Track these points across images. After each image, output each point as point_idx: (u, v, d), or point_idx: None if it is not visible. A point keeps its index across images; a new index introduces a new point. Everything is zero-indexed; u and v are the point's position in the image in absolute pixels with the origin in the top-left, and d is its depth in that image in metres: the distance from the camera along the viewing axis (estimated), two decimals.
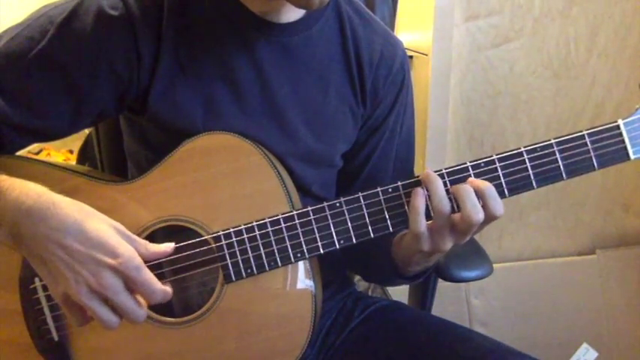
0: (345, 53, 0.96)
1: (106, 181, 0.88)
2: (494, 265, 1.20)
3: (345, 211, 0.85)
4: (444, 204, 0.81)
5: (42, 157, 2.07)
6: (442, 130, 1.86)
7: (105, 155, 1.20)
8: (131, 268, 0.72)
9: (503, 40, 1.83)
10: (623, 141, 0.83)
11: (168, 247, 0.81)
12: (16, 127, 0.84)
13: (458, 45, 1.82)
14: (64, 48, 0.83)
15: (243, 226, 0.85)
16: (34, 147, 1.58)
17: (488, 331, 1.96)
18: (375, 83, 0.98)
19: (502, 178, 0.83)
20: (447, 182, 0.83)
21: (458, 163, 0.84)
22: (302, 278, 0.88)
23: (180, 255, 0.85)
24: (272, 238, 0.85)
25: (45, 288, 0.86)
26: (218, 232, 0.85)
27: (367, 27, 0.99)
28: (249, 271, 0.85)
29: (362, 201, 0.85)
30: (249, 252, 0.85)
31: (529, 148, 0.83)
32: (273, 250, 0.85)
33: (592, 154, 0.83)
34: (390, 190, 0.85)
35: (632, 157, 0.84)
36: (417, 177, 0.84)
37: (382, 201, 0.85)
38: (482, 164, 0.83)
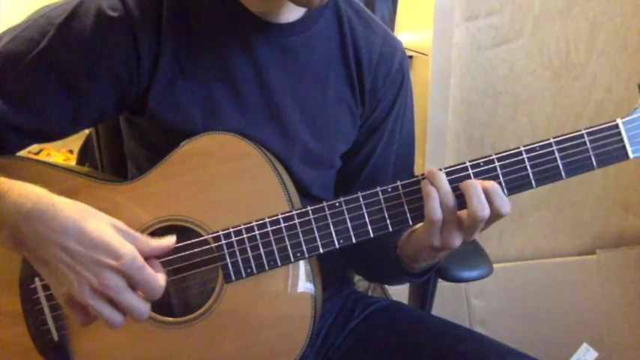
0: (345, 53, 0.96)
1: (105, 181, 0.88)
2: (494, 265, 1.20)
3: (345, 211, 0.85)
4: (450, 198, 0.81)
5: (42, 157, 2.07)
6: (442, 130, 1.87)
7: (105, 155, 1.20)
8: (133, 269, 0.72)
9: (503, 40, 1.83)
10: (622, 140, 0.83)
11: (170, 241, 0.80)
12: (15, 128, 0.84)
13: (458, 45, 1.82)
14: (63, 49, 0.83)
15: (242, 226, 0.85)
16: (34, 147, 1.58)
17: (488, 331, 1.96)
18: (375, 83, 0.98)
19: (501, 177, 0.83)
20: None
21: (457, 163, 0.84)
22: (302, 280, 0.88)
23: (180, 255, 0.85)
24: (272, 237, 0.85)
25: (45, 288, 0.86)
26: (218, 231, 0.85)
27: (366, 27, 0.99)
28: (248, 270, 0.85)
29: (361, 201, 0.85)
30: (249, 252, 0.85)
31: (528, 147, 0.83)
32: (273, 249, 0.85)
33: (591, 153, 0.83)
34: (389, 190, 0.85)
35: (631, 156, 0.84)
36: (417, 177, 0.84)
37: (382, 200, 0.85)
38: (482, 163, 0.84)
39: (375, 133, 1.02)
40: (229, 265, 0.85)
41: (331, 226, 0.85)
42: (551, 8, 1.82)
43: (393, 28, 1.41)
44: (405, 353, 0.99)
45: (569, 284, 2.03)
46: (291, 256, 0.85)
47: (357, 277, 1.37)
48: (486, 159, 0.83)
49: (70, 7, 0.84)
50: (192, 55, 0.88)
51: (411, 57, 1.89)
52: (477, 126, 1.91)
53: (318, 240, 0.85)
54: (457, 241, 0.84)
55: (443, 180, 0.82)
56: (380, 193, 0.85)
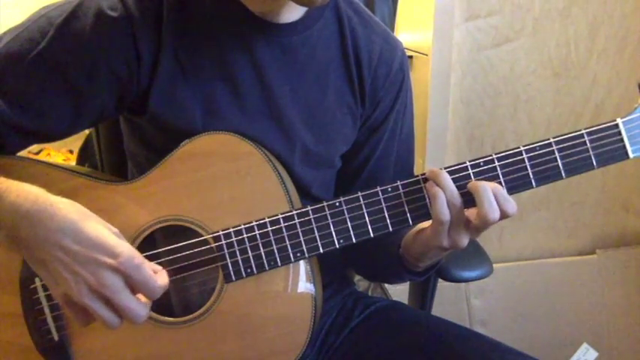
0: (344, 53, 0.96)
1: (105, 181, 0.88)
2: (494, 265, 1.20)
3: (345, 211, 0.85)
4: (457, 198, 0.82)
5: (42, 156, 2.07)
6: (442, 130, 1.87)
7: (105, 155, 1.20)
8: (131, 267, 0.72)
9: (503, 40, 1.83)
10: (622, 140, 0.83)
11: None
12: (16, 128, 0.84)
13: (458, 45, 1.82)
14: (63, 49, 0.83)
15: (242, 226, 0.85)
16: (34, 147, 1.58)
17: (488, 331, 1.96)
18: (375, 83, 0.98)
19: (501, 177, 0.83)
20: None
21: (457, 163, 0.84)
22: (302, 280, 0.88)
23: (180, 255, 0.86)
24: (272, 237, 0.85)
25: (45, 288, 0.86)
26: (218, 231, 0.85)
27: (366, 27, 0.99)
28: (248, 270, 0.85)
29: (361, 201, 0.85)
30: (249, 251, 0.85)
31: (528, 147, 0.83)
32: (273, 249, 0.85)
33: (591, 152, 0.83)
34: (389, 189, 0.85)
35: (631, 155, 0.84)
36: (417, 177, 0.84)
37: (382, 200, 0.85)
38: (482, 163, 0.84)
39: (376, 134, 1.02)
40: (229, 265, 0.85)
41: (331, 226, 0.85)
42: (551, 8, 1.82)
43: (393, 28, 1.41)
44: (405, 353, 0.99)
45: (569, 284, 2.03)
46: (291, 256, 0.85)
47: (357, 277, 1.37)
48: (486, 159, 0.84)
49: (69, 8, 0.84)
50: (192, 55, 0.88)
51: (411, 57, 1.89)
52: (477, 126, 1.91)
53: (318, 240, 0.85)
54: (465, 240, 0.84)
55: (448, 180, 0.82)
56: (380, 193, 0.85)
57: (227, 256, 0.85)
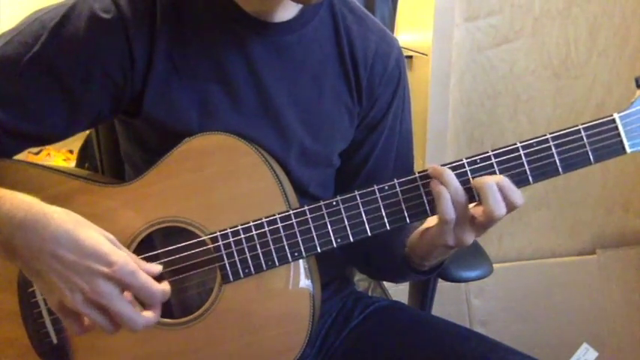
0: (340, 52, 0.96)
1: (101, 183, 0.88)
2: (494, 265, 1.20)
3: (342, 210, 0.85)
4: (461, 195, 0.81)
5: (42, 156, 2.07)
6: (442, 130, 1.87)
7: (105, 155, 1.20)
8: (126, 274, 0.72)
9: (503, 40, 1.83)
10: (619, 134, 0.83)
11: (157, 268, 0.79)
12: (11, 133, 0.84)
13: (458, 45, 1.82)
14: (57, 52, 0.82)
15: (240, 226, 0.85)
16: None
17: (488, 331, 1.96)
18: (371, 81, 0.98)
19: (498, 173, 0.83)
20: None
21: (454, 160, 0.84)
22: (300, 278, 0.88)
23: (178, 256, 0.86)
24: (269, 237, 0.85)
25: None
26: (215, 232, 0.85)
27: (361, 25, 0.98)
28: (246, 271, 0.85)
29: (358, 199, 0.85)
30: (247, 252, 0.85)
31: (525, 143, 0.84)
32: (271, 249, 0.85)
33: (588, 148, 0.83)
34: (386, 188, 0.85)
35: (628, 150, 0.84)
36: (415, 175, 0.84)
37: (379, 199, 0.85)
38: (478, 160, 0.83)
39: (374, 131, 1.02)
40: (227, 265, 0.85)
41: (329, 225, 0.85)
42: (551, 8, 1.81)
43: (393, 28, 1.41)
44: (405, 353, 0.99)
45: (569, 284, 2.03)
46: (288, 255, 0.85)
47: (357, 277, 1.37)
48: (483, 155, 0.83)
49: (62, 11, 0.84)
50: (186, 56, 0.88)
51: (411, 57, 1.89)
52: (477, 126, 1.91)
53: (316, 239, 0.85)
54: (471, 238, 0.84)
55: (452, 178, 0.81)
56: (377, 191, 0.85)
57: (225, 256, 0.85)
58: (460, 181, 0.82)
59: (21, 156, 0.90)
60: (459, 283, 1.92)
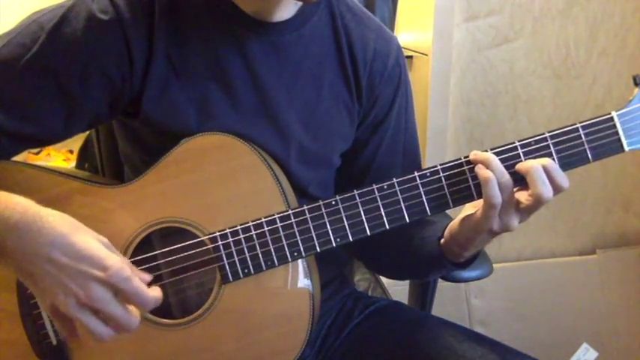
0: (339, 51, 0.96)
1: (100, 184, 0.88)
2: (494, 265, 1.20)
3: (341, 209, 0.85)
4: (508, 179, 0.81)
5: (42, 156, 2.07)
6: (442, 130, 1.87)
7: (105, 155, 1.20)
8: (120, 280, 0.71)
9: (503, 40, 1.83)
10: (617, 133, 0.83)
11: (148, 276, 0.79)
12: (9, 134, 0.83)
13: (458, 45, 1.82)
14: (55, 54, 0.82)
15: (239, 227, 0.85)
16: None
17: (488, 331, 1.96)
18: (371, 79, 0.98)
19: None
20: (442, 178, 0.84)
21: (453, 159, 0.84)
22: (300, 277, 0.88)
23: (177, 256, 0.85)
24: (268, 237, 0.85)
25: None
26: (214, 232, 0.85)
27: (360, 23, 0.98)
28: (246, 271, 0.85)
29: (357, 199, 0.85)
30: (246, 252, 0.85)
31: (523, 142, 0.84)
32: (270, 249, 0.85)
33: (586, 146, 0.83)
34: (385, 187, 0.85)
35: (626, 148, 0.84)
36: (414, 174, 0.85)
37: (378, 198, 0.85)
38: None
39: (378, 131, 1.02)
40: (226, 266, 0.85)
41: (328, 225, 0.85)
42: (551, 8, 1.81)
43: (393, 28, 1.41)
44: (405, 353, 0.99)
45: (569, 284, 2.03)
46: (288, 255, 0.85)
47: (357, 277, 1.37)
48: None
49: (60, 12, 0.83)
50: (184, 56, 0.88)
51: (411, 57, 1.89)
52: (477, 126, 1.91)
53: (315, 239, 0.85)
54: (516, 222, 0.84)
55: (498, 162, 0.82)
56: (376, 190, 0.85)
57: (224, 257, 0.85)
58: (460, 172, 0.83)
59: (21, 156, 0.90)
60: (459, 283, 1.92)
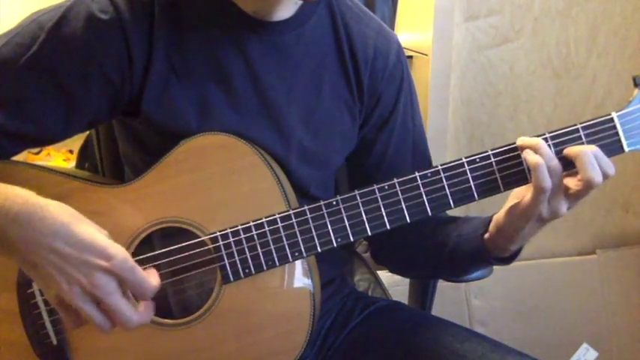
0: (339, 50, 0.96)
1: (101, 184, 0.88)
2: (495, 266, 1.19)
3: (342, 209, 0.85)
4: (557, 164, 0.82)
5: (42, 156, 2.07)
6: (442, 130, 1.86)
7: (105, 155, 1.20)
8: (125, 269, 0.72)
9: (503, 40, 1.83)
10: (617, 133, 0.84)
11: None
12: (8, 134, 0.83)
13: (458, 45, 1.82)
14: (54, 53, 0.82)
15: (240, 227, 0.85)
16: None
17: (488, 331, 1.96)
18: (373, 78, 0.98)
19: (497, 173, 0.84)
20: (443, 178, 0.84)
21: (453, 160, 0.84)
22: (300, 277, 0.88)
23: (178, 256, 0.85)
24: (269, 237, 0.85)
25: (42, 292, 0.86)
26: (215, 232, 0.85)
27: (360, 22, 0.98)
28: (246, 271, 0.85)
29: (358, 199, 0.85)
30: (247, 252, 0.85)
31: None
32: (271, 249, 0.85)
33: None
34: (386, 187, 0.85)
35: (626, 149, 0.84)
36: (415, 174, 0.85)
37: (379, 198, 0.85)
38: (478, 159, 0.84)
39: (384, 129, 1.01)
40: (227, 266, 0.85)
41: (329, 225, 0.85)
42: (551, 8, 1.81)
43: (393, 28, 1.41)
44: (405, 353, 0.99)
45: (569, 284, 2.03)
46: (289, 255, 0.85)
47: (357, 277, 1.37)
48: (482, 155, 0.84)
49: (60, 12, 0.83)
50: (184, 56, 0.88)
51: (411, 57, 1.88)
52: (477, 126, 1.91)
53: (316, 239, 0.85)
54: (564, 208, 0.84)
55: (546, 146, 0.82)
56: (377, 190, 0.85)
57: (225, 257, 0.85)
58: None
59: (21, 156, 0.90)
60: (459, 283, 1.92)
